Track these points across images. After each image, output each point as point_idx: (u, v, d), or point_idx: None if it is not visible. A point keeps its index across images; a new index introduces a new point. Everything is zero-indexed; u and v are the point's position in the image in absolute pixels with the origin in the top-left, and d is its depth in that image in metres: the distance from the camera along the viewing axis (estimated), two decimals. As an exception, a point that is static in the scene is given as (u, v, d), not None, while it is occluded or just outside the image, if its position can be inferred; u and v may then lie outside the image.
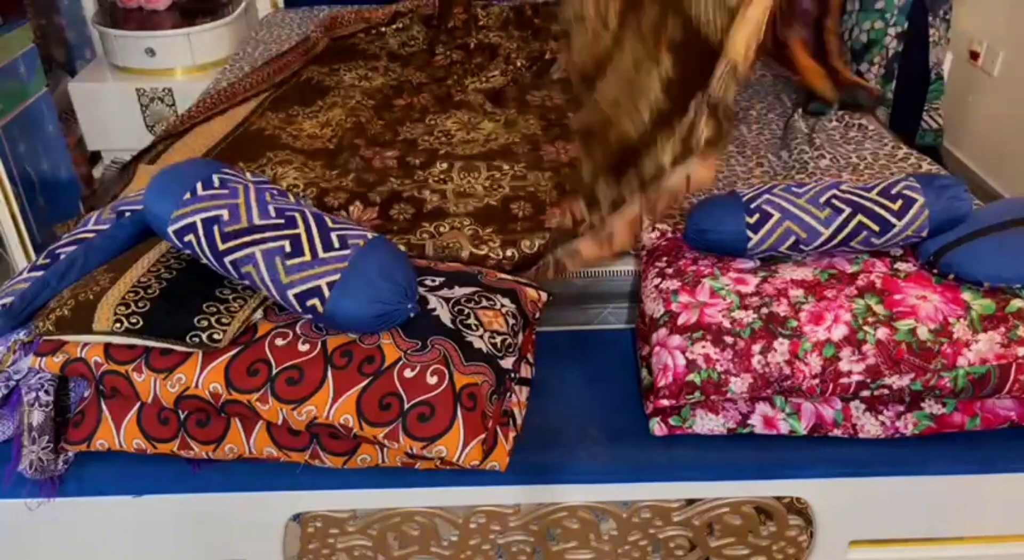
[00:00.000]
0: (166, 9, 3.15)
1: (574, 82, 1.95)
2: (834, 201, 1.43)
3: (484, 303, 1.40)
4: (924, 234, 1.43)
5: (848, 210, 1.41)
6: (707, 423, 1.39)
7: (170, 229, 1.31)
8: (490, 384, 1.29)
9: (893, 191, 1.43)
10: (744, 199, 1.47)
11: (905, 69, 2.74)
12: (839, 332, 1.33)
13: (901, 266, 1.45)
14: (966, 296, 1.37)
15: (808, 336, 1.33)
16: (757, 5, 1.38)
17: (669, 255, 1.55)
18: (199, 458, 1.36)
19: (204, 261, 1.32)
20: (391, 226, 1.81)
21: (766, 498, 1.41)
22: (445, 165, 2.05)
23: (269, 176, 1.97)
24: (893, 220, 1.41)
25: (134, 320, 1.26)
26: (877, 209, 1.41)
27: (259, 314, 1.35)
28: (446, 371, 1.27)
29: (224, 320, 1.28)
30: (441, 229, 1.78)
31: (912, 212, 1.41)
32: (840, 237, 1.42)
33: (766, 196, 1.46)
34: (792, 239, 1.43)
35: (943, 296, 1.37)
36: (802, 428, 1.39)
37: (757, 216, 1.44)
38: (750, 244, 1.44)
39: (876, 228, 1.41)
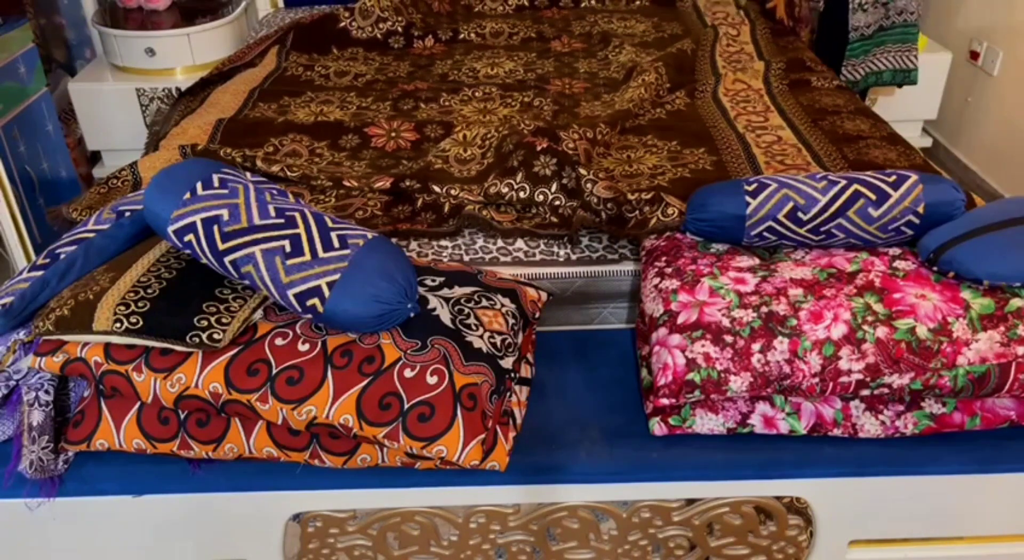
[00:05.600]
0: (166, 9, 3.15)
1: None
2: (830, 177, 1.51)
3: (484, 303, 1.40)
4: (920, 210, 1.46)
5: (844, 182, 1.49)
6: (707, 423, 1.39)
7: (170, 229, 1.31)
8: (490, 384, 1.29)
9: (886, 172, 1.52)
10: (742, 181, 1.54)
11: (825, 28, 3.12)
12: (838, 331, 1.33)
13: (900, 265, 1.45)
14: (965, 295, 1.37)
15: (808, 335, 1.33)
16: None
17: (668, 255, 1.55)
18: (199, 458, 1.36)
19: (204, 261, 1.32)
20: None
21: (766, 498, 1.41)
22: (470, 92, 2.52)
23: (315, 111, 2.38)
24: (889, 190, 1.46)
25: (134, 320, 1.26)
26: (872, 180, 1.49)
27: (259, 314, 1.35)
28: (446, 371, 1.27)
29: (224, 320, 1.28)
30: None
31: (907, 185, 1.47)
32: (838, 204, 1.45)
33: (763, 178, 1.53)
34: (790, 205, 1.46)
35: (942, 295, 1.37)
36: (802, 428, 1.39)
37: (755, 185, 1.51)
38: (748, 209, 1.47)
39: (873, 196, 1.45)
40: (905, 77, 3.05)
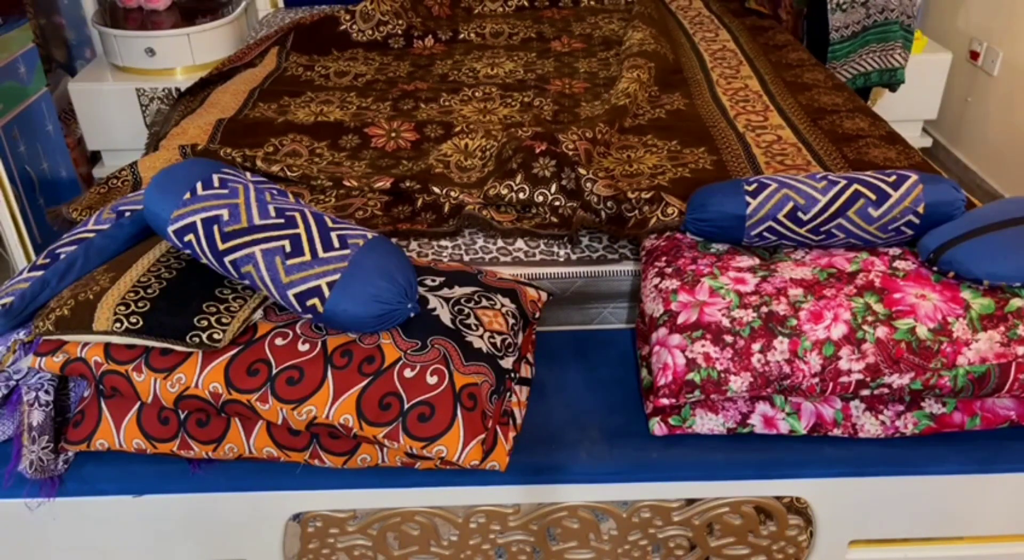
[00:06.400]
0: (166, 9, 3.16)
1: None
2: (830, 177, 1.51)
3: (484, 303, 1.40)
4: (920, 210, 1.46)
5: (844, 181, 1.49)
6: (707, 423, 1.39)
7: (170, 229, 1.31)
8: (490, 384, 1.29)
9: (886, 172, 1.52)
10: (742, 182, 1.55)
11: (809, 31, 3.26)
12: (838, 331, 1.33)
13: (900, 265, 1.45)
14: (965, 295, 1.37)
15: (808, 335, 1.33)
16: None
17: (668, 255, 1.55)
18: (199, 458, 1.36)
19: (204, 261, 1.32)
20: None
21: (766, 498, 1.41)
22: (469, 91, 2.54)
23: (315, 111, 2.39)
24: (889, 190, 1.47)
25: (134, 320, 1.26)
26: (872, 180, 1.49)
27: (259, 314, 1.35)
28: (446, 371, 1.27)
29: (224, 320, 1.28)
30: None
31: (907, 185, 1.48)
32: (838, 204, 1.46)
33: (763, 178, 1.54)
34: (790, 205, 1.47)
35: (942, 295, 1.37)
36: (802, 428, 1.39)
37: (755, 185, 1.51)
38: (748, 209, 1.48)
39: (873, 196, 1.46)
40: (891, 76, 3.03)
